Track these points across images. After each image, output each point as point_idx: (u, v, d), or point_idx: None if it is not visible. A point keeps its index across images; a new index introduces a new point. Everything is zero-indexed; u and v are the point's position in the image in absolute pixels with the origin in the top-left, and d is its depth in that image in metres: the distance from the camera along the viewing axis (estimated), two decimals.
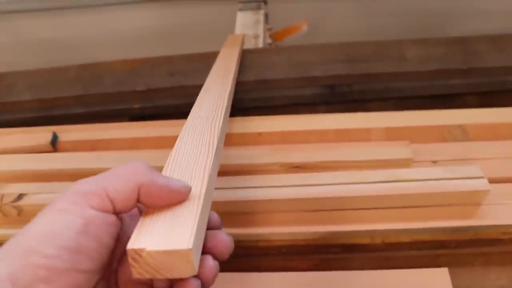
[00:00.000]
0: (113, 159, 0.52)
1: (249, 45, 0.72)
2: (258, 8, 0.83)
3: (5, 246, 0.23)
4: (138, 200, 0.26)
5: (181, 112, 0.63)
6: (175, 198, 0.25)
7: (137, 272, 0.23)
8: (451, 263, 0.45)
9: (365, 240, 0.45)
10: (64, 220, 0.24)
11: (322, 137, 0.53)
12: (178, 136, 0.55)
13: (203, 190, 0.27)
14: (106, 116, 0.64)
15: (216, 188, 0.44)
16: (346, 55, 0.62)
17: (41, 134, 0.56)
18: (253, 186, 0.45)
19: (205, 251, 0.27)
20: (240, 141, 0.53)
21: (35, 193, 0.48)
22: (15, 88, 0.66)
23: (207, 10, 0.89)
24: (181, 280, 0.24)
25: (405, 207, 0.45)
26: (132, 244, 0.23)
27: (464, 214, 0.44)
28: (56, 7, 0.86)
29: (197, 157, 0.31)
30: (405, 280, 0.43)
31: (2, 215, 0.48)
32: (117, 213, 0.26)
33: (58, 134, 0.57)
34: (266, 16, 0.87)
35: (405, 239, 0.45)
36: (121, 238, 0.27)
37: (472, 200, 0.44)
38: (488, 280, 0.44)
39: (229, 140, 0.53)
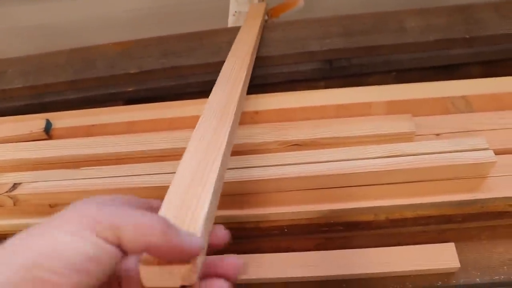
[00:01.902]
0: (109, 143, 0.51)
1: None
2: None
3: (4, 255, 0.22)
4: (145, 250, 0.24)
5: (176, 93, 0.62)
6: (186, 258, 0.24)
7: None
8: (458, 238, 0.44)
9: (369, 217, 0.44)
10: (75, 245, 0.23)
11: (322, 113, 0.52)
12: (173, 117, 0.54)
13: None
14: (100, 100, 0.62)
15: None
16: (343, 28, 0.60)
17: (34, 122, 0.55)
18: (252, 166, 0.44)
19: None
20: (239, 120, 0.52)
21: (30, 182, 0.47)
22: (5, 75, 0.64)
23: None
24: None
25: (409, 182, 0.44)
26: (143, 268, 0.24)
27: (470, 187, 0.43)
28: None
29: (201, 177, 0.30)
30: (410, 256, 0.42)
31: None
32: (122, 250, 0.24)
33: (52, 121, 0.56)
34: None
35: (409, 214, 0.44)
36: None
37: (478, 173, 0.43)
38: (496, 253, 0.43)
39: None
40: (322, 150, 0.44)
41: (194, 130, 0.35)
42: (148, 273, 0.24)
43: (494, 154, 0.42)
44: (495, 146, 0.45)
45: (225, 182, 0.43)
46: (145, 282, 0.24)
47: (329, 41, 0.59)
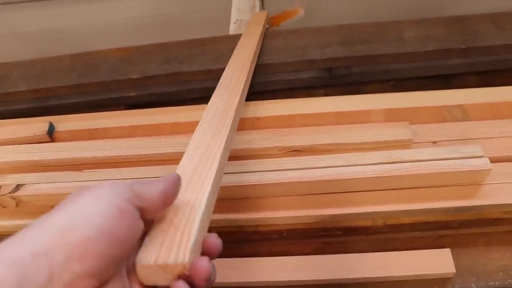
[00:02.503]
0: (111, 147, 0.51)
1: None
2: None
3: (38, 223, 0.23)
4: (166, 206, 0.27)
5: (178, 99, 0.63)
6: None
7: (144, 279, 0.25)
8: (454, 244, 0.44)
9: (366, 223, 0.45)
10: (102, 205, 0.24)
11: (321, 120, 0.52)
12: (175, 122, 0.55)
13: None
14: (102, 105, 0.63)
15: None
16: (343, 37, 0.61)
17: (38, 125, 0.56)
18: (252, 170, 0.44)
19: None
20: (238, 126, 0.52)
21: (33, 183, 0.48)
22: (10, 79, 0.65)
23: None
24: None
25: (406, 188, 0.44)
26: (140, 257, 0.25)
27: (466, 194, 0.44)
28: None
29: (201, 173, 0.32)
30: (407, 261, 0.42)
31: (1, 206, 0.48)
32: (143, 212, 0.26)
33: (55, 124, 0.56)
34: (262, 1, 0.86)
35: (406, 220, 0.44)
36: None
37: (474, 180, 0.44)
38: (491, 259, 0.43)
39: None
40: (321, 156, 0.45)
41: (193, 135, 0.36)
42: (145, 271, 0.25)
43: (489, 161, 0.43)
44: (491, 154, 0.46)
45: (225, 186, 0.44)
46: (143, 280, 0.25)
47: (329, 50, 0.60)
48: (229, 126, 0.37)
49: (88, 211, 0.24)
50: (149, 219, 0.27)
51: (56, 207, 0.25)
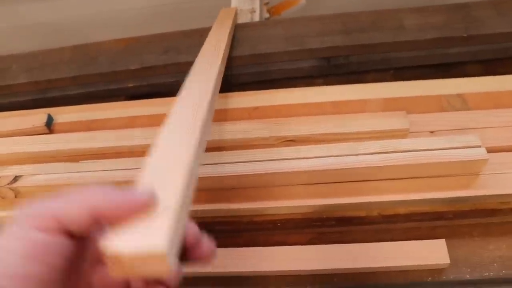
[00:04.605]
0: (109, 138, 0.52)
1: (245, 19, 0.71)
2: None
3: None
4: (98, 223, 0.24)
5: (177, 89, 0.63)
6: (139, 210, 0.24)
7: (114, 271, 0.22)
8: (450, 235, 0.44)
9: (361, 213, 0.45)
10: (7, 246, 0.22)
11: (319, 110, 0.52)
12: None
13: (178, 197, 0.25)
14: (102, 96, 0.63)
15: (209, 164, 0.44)
16: (342, 26, 0.60)
17: (36, 116, 0.56)
18: (247, 160, 0.44)
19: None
20: (236, 116, 0.53)
21: (31, 174, 0.49)
22: (10, 71, 0.65)
23: None
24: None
25: (402, 178, 0.44)
26: (106, 243, 0.22)
27: (463, 184, 0.44)
28: None
29: (176, 157, 0.29)
30: (401, 252, 0.42)
31: (0, 197, 0.49)
32: (72, 235, 0.24)
33: (54, 116, 0.57)
34: None
35: (402, 211, 0.44)
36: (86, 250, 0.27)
37: (470, 170, 0.44)
38: (487, 250, 0.43)
39: (225, 115, 0.53)
40: (316, 146, 0.45)
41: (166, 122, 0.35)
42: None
43: (486, 151, 0.42)
44: (489, 144, 0.45)
45: (219, 177, 0.44)
46: (113, 271, 0.23)
47: (327, 39, 0.59)
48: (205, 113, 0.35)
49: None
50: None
51: None
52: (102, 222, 0.24)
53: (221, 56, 0.48)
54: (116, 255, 0.22)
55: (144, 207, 0.23)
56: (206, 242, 0.28)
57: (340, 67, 0.60)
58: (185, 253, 0.27)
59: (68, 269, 0.24)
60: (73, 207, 0.23)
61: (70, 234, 0.24)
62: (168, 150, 0.30)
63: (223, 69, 0.49)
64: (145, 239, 0.22)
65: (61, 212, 0.23)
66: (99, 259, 0.27)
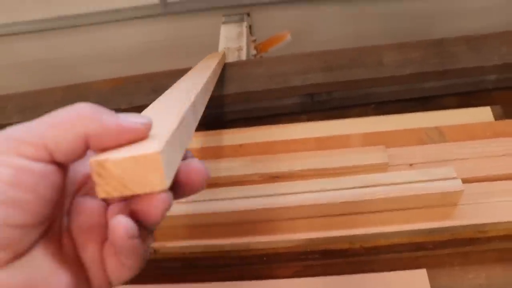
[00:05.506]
0: None
1: (232, 58, 0.73)
2: (241, 20, 0.84)
3: None
4: (88, 148, 0.22)
5: None
6: (132, 137, 0.22)
7: (103, 190, 0.20)
8: (431, 265, 0.45)
9: (344, 245, 0.46)
10: None
11: (303, 146, 0.54)
12: None
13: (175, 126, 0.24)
14: None
15: (194, 201, 0.46)
16: (324, 63, 0.63)
17: None
18: (231, 197, 0.46)
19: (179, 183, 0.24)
20: (221, 154, 0.54)
21: None
22: (5, 111, 0.67)
23: (192, 24, 0.91)
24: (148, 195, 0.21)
25: (382, 211, 0.46)
26: (95, 157, 0.20)
27: (441, 215, 0.45)
28: (50, 28, 0.88)
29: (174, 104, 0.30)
30: (384, 283, 0.43)
31: None
32: (59, 163, 0.22)
33: None
34: (250, 27, 0.89)
35: (383, 242, 0.46)
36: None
37: (447, 201, 0.45)
38: (466, 279, 0.44)
39: (209, 153, 0.55)
40: (298, 182, 0.47)
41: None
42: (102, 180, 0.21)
43: (462, 183, 0.44)
44: (465, 175, 0.47)
45: (205, 214, 0.45)
46: (99, 190, 0.21)
47: (310, 76, 0.61)
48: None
49: None
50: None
51: None
52: (91, 148, 0.22)
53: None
54: (104, 164, 0.20)
55: (139, 132, 0.22)
56: (197, 167, 0.25)
57: (323, 103, 0.62)
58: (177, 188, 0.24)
59: (54, 202, 0.22)
60: (63, 132, 0.21)
61: (57, 162, 0.22)
62: (164, 105, 0.30)
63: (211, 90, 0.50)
64: (138, 149, 0.21)
65: (49, 138, 0.21)
66: (79, 191, 0.25)
